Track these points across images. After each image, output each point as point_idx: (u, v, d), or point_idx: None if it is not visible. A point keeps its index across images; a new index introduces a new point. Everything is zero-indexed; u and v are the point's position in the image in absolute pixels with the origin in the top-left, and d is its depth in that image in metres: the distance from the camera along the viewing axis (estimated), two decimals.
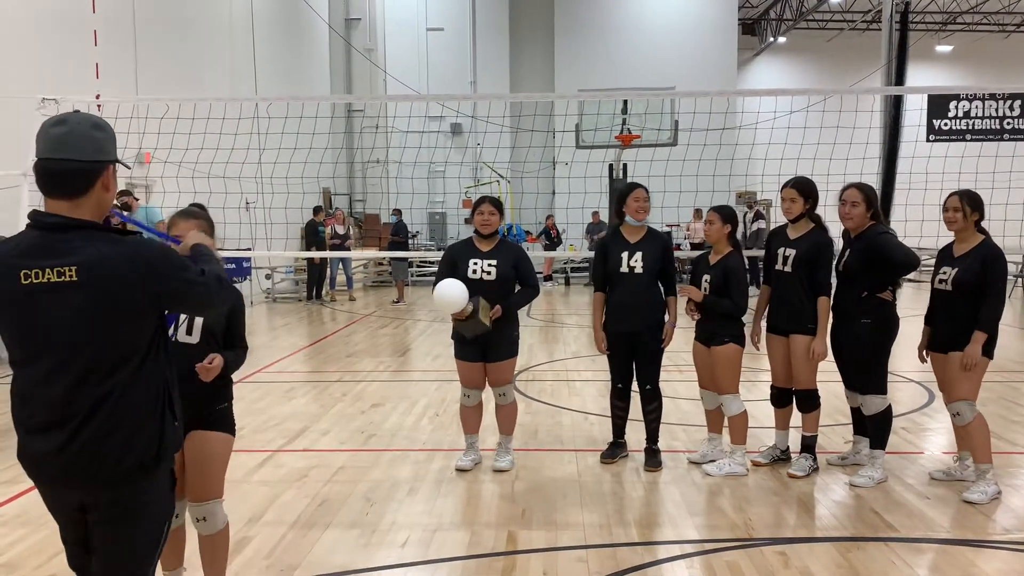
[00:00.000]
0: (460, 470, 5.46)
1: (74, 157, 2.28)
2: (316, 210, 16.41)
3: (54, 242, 2.26)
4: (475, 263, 5.29)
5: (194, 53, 14.50)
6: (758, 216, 18.68)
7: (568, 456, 5.80)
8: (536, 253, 19.53)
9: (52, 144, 2.29)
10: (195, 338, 3.37)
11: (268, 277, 16.78)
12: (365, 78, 23.86)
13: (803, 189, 5.26)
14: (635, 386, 5.55)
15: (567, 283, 19.66)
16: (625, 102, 16.52)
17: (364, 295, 18.14)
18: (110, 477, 2.32)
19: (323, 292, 16.61)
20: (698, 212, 17.68)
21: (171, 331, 3.09)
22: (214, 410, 3.39)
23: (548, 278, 19.65)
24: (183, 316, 3.27)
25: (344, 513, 4.75)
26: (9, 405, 2.41)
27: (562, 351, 10.28)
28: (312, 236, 16.21)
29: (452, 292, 5.05)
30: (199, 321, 3.36)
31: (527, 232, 22.31)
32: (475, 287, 5.18)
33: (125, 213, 3.07)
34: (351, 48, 23.78)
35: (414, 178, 16.67)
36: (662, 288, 5.46)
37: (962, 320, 4.83)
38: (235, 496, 4.95)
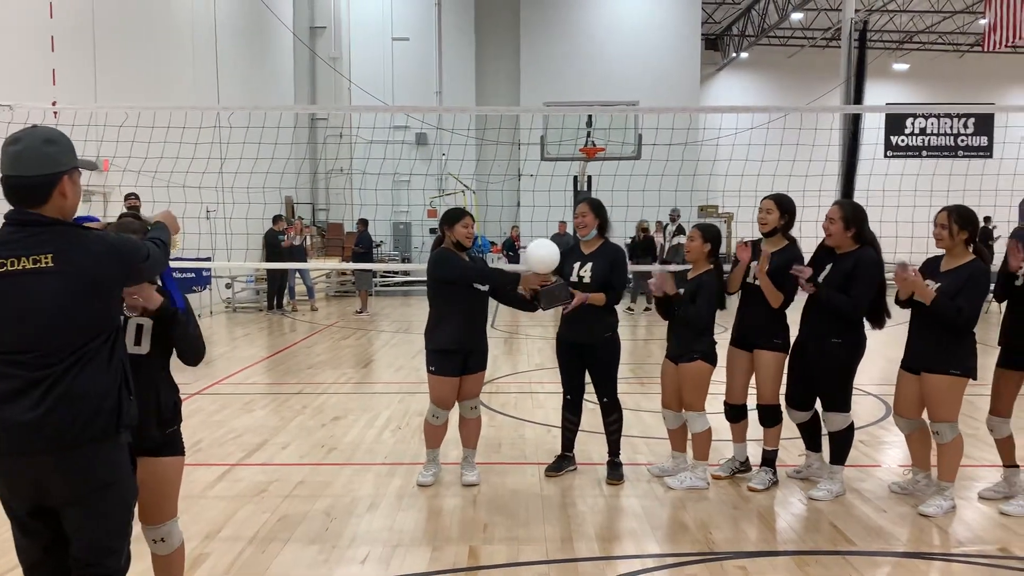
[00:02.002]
0: (422, 485, 5.40)
1: (28, 173, 2.58)
2: (276, 219, 16.24)
3: (29, 235, 2.55)
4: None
5: (155, 60, 14.31)
6: (680, 231, 18.74)
7: (531, 469, 5.79)
8: (498, 267, 19.55)
9: (9, 162, 2.60)
10: (144, 348, 3.25)
11: (228, 286, 16.57)
12: (330, 86, 23.76)
13: (782, 203, 5.27)
14: (594, 399, 5.55)
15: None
16: (590, 116, 16.64)
17: (327, 305, 17.99)
18: (74, 442, 2.54)
19: (284, 302, 16.43)
20: (659, 223, 17.81)
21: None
22: (165, 433, 3.27)
23: None
24: (131, 327, 3.14)
25: (303, 528, 4.69)
26: None
27: (526, 363, 10.27)
28: (272, 245, 16.04)
29: (549, 252, 5.13)
30: (147, 329, 3.20)
31: (492, 243, 22.33)
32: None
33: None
34: (316, 56, 23.66)
35: (378, 189, 16.60)
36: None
37: (941, 338, 4.80)
38: (192, 512, 4.86)
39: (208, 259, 12.85)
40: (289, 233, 16.17)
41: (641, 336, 12.85)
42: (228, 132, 8.82)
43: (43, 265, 2.51)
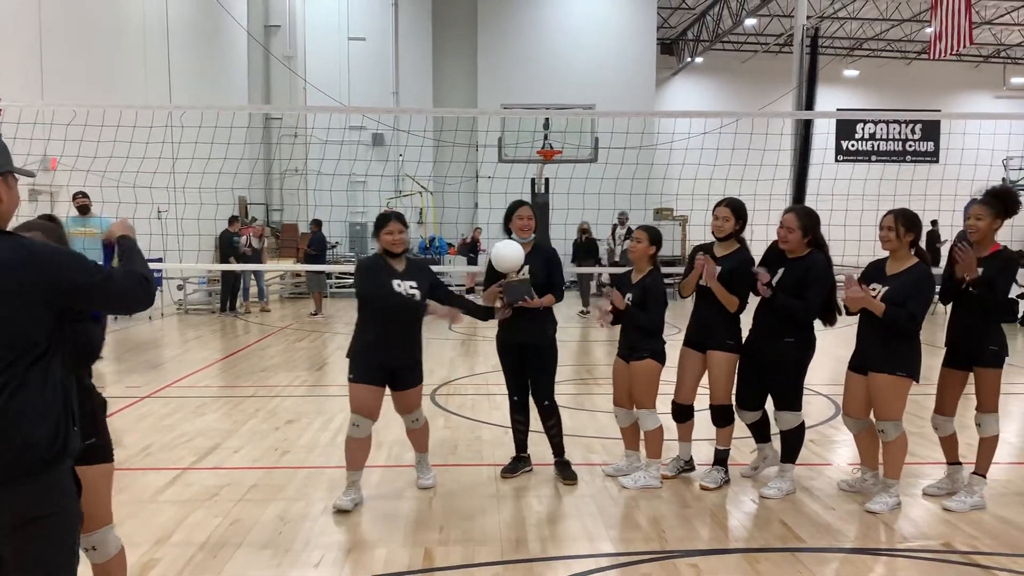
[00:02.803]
0: (340, 511, 4.94)
1: None
2: (232, 220, 16.03)
3: None
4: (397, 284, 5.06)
5: (105, 57, 14.03)
6: (629, 234, 19.01)
7: (488, 471, 5.80)
8: (456, 268, 19.55)
9: None
10: None
11: (180, 288, 16.30)
12: (284, 85, 23.51)
13: (737, 210, 5.36)
14: None
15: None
16: (547, 118, 16.73)
17: (281, 307, 17.80)
18: (10, 471, 2.30)
19: (237, 304, 16.22)
20: (614, 227, 17.98)
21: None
22: (84, 443, 3.05)
23: (470, 291, 19.67)
24: None
25: (256, 533, 4.63)
26: None
27: (483, 364, 10.28)
28: (227, 247, 15.83)
29: (515, 251, 5.21)
30: None
31: (449, 244, 22.30)
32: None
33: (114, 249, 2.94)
34: (270, 55, 23.39)
35: (333, 190, 16.49)
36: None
37: (888, 340, 4.90)
38: (142, 516, 4.78)
39: (160, 259, 12.64)
40: (246, 234, 15.96)
41: (593, 338, 12.93)
42: (180, 131, 8.70)
43: None
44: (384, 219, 5.08)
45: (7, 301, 2.32)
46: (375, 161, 22.84)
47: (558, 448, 5.61)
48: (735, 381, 5.43)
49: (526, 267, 5.33)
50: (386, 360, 5.03)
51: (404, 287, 4.98)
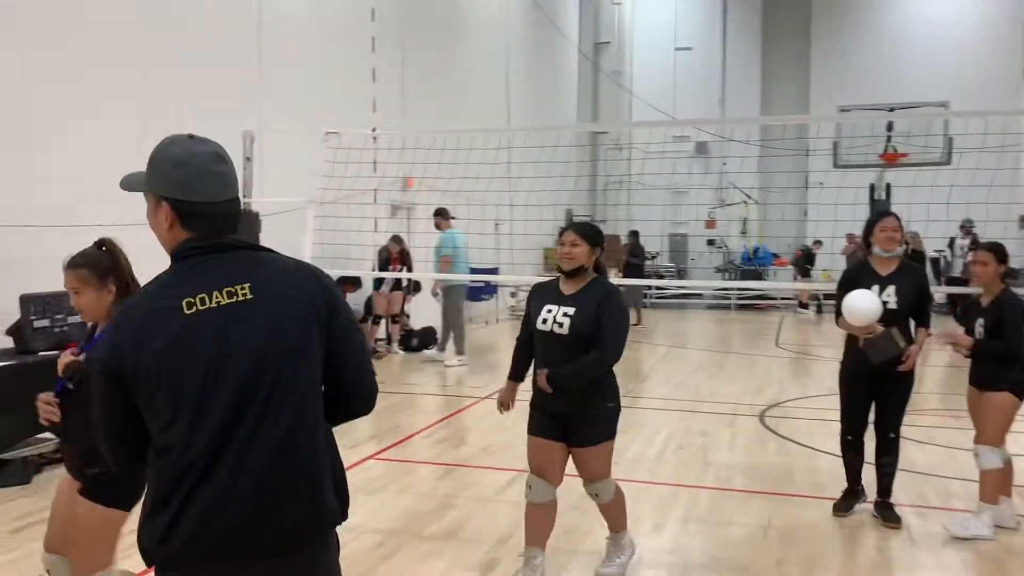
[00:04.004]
0: None
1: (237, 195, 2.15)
2: None
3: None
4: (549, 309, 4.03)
5: (456, 87, 15.34)
6: (975, 244, 16.45)
7: (827, 504, 5.37)
8: (779, 285, 18.67)
9: (222, 183, 2.08)
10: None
11: (512, 295, 17.36)
12: (611, 99, 24.12)
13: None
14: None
15: (819, 311, 18.56)
16: (890, 120, 15.42)
17: None
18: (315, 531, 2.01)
19: None
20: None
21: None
22: (86, 475, 2.98)
23: (803, 305, 18.84)
24: None
25: (590, 542, 4.70)
26: None
27: (816, 386, 9.66)
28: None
29: (871, 302, 4.66)
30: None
31: (774, 255, 21.40)
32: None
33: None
34: (599, 71, 24.15)
35: (651, 204, 16.57)
36: (912, 322, 4.91)
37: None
38: (484, 515, 5.10)
39: (495, 271, 13.52)
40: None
41: (934, 361, 11.59)
42: (515, 150, 9.25)
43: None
44: (562, 231, 4.17)
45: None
46: (698, 168, 22.58)
47: (886, 489, 5.05)
48: None
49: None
50: (542, 400, 4.04)
51: (555, 314, 3.96)
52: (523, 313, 4.25)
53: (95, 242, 3.12)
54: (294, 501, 1.87)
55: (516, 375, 4.25)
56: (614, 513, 4.25)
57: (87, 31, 7.43)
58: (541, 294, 4.10)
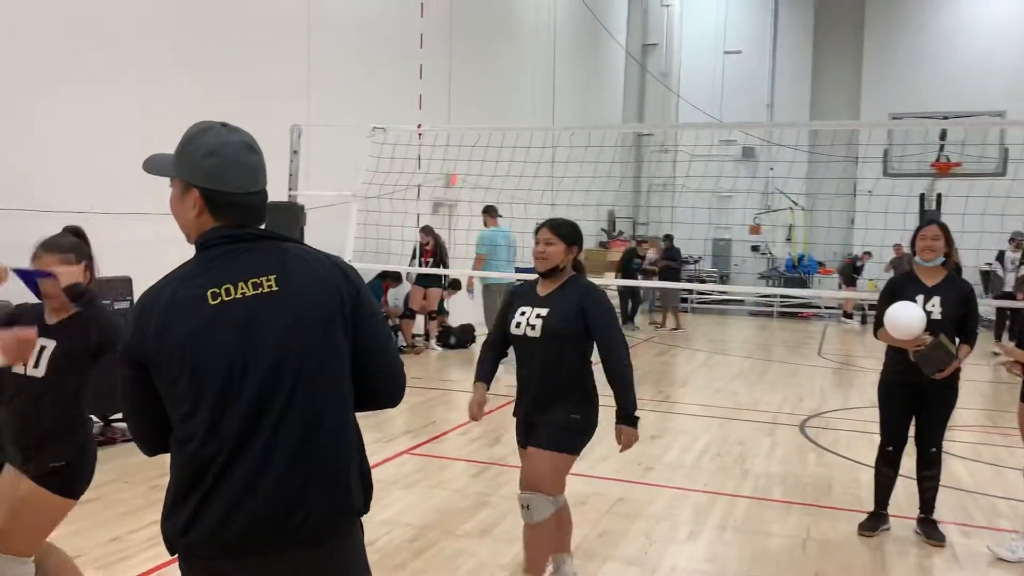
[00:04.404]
0: None
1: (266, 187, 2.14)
2: (639, 242, 17.03)
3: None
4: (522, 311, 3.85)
5: (502, 85, 15.33)
6: None
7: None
8: (832, 293, 18.36)
9: (253, 173, 2.05)
10: (41, 371, 2.89)
11: None
12: (657, 101, 23.96)
13: None
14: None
15: (863, 321, 18.24)
16: (943, 128, 15.09)
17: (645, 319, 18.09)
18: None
19: (634, 319, 16.29)
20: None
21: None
22: (46, 466, 2.90)
23: (848, 315, 18.54)
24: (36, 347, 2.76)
25: (623, 547, 4.67)
26: None
27: (857, 398, 9.48)
28: (627, 264, 16.06)
29: (915, 314, 4.53)
30: (48, 351, 2.89)
31: (819, 263, 21.06)
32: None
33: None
34: (646, 72, 23.99)
35: (695, 207, 16.43)
36: (956, 339, 4.73)
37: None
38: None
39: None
40: (649, 253, 16.49)
41: (976, 376, 11.30)
42: (559, 149, 9.21)
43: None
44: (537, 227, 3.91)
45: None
46: (744, 172, 22.31)
47: (929, 504, 4.92)
48: None
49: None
50: (524, 413, 3.93)
51: (527, 317, 3.79)
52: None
53: (66, 228, 3.02)
54: (317, 494, 1.85)
55: (482, 376, 3.98)
56: (538, 542, 3.78)
57: (153, 31, 7.72)
58: (518, 296, 3.92)
